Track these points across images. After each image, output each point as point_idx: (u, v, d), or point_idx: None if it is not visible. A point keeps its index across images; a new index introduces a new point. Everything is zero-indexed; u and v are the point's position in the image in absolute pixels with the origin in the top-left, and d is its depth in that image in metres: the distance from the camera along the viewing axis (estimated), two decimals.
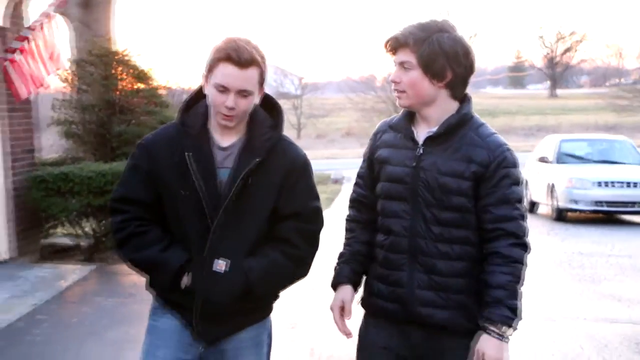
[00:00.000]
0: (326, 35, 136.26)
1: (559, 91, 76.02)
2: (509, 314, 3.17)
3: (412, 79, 3.24)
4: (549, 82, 78.65)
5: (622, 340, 7.54)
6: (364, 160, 3.58)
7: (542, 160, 17.57)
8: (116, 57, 13.15)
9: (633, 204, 15.90)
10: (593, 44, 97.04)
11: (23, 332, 7.94)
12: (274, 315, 3.59)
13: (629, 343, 7.46)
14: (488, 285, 3.21)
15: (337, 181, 27.58)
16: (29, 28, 10.88)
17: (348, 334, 3.45)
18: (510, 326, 3.18)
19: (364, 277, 3.53)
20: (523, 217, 3.28)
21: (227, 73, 3.23)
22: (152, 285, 3.47)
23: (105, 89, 12.82)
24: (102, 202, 10.95)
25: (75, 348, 7.56)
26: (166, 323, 3.44)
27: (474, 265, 3.29)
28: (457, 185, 3.24)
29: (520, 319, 3.25)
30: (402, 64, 3.26)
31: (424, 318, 3.30)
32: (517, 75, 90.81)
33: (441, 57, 3.20)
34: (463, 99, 3.37)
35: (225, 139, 3.36)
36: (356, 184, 3.62)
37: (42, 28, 10.80)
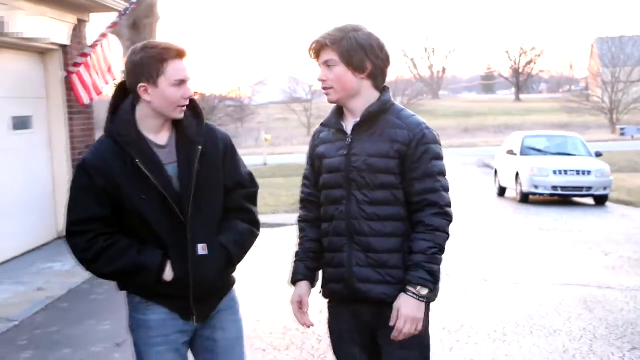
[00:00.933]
0: None
1: (522, 96, 75.99)
2: (426, 277, 2.98)
3: (337, 74, 3.08)
4: (514, 89, 78.68)
5: (574, 299, 7.65)
6: (307, 162, 3.39)
7: (510, 152, 17.64)
8: None
9: (582, 188, 16.06)
10: (549, 57, 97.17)
11: (88, 292, 8.08)
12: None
13: (579, 301, 7.56)
14: (410, 251, 3.02)
15: None
16: (89, 46, 10.99)
17: (307, 325, 3.31)
18: (427, 287, 3.00)
19: (319, 271, 3.37)
20: (445, 189, 3.08)
21: (181, 68, 3.04)
22: (133, 287, 3.14)
23: None
24: None
25: None
26: (155, 317, 3.13)
27: (405, 239, 3.08)
28: (384, 165, 3.05)
29: (438, 282, 3.08)
30: (326, 63, 3.10)
31: (364, 294, 3.11)
32: (488, 83, 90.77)
33: (359, 51, 3.05)
34: (383, 90, 3.19)
35: (160, 138, 3.10)
36: (303, 184, 3.42)
37: (100, 46, 10.91)
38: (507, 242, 11.45)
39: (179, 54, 3.04)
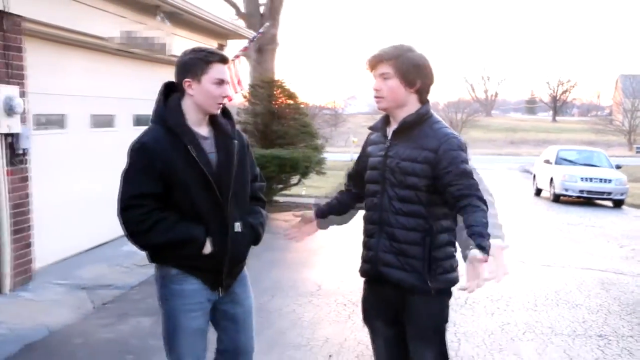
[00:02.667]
0: None
1: (558, 118, 73.80)
2: (485, 242, 2.51)
3: (391, 86, 2.88)
4: (551, 112, 76.49)
5: (593, 281, 7.40)
6: (359, 155, 3.22)
7: (546, 161, 17.30)
8: (276, 83, 13.34)
9: (603, 193, 15.56)
10: (581, 88, 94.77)
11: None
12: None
13: (597, 283, 7.32)
14: (468, 225, 2.62)
15: None
16: None
17: (289, 237, 3.29)
18: (485, 247, 2.53)
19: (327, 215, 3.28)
20: (477, 187, 2.79)
21: (221, 70, 2.89)
22: (173, 259, 2.90)
23: (269, 103, 13.05)
24: (262, 173, 11.15)
25: None
26: (191, 286, 2.92)
27: (426, 235, 2.84)
28: (412, 168, 2.84)
29: (489, 237, 2.57)
30: (382, 75, 2.89)
31: (384, 275, 2.94)
32: (531, 106, 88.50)
33: (412, 69, 2.87)
34: (424, 104, 2.98)
35: (202, 130, 2.93)
36: (347, 175, 3.31)
37: (233, 64, 11.04)
38: (540, 232, 11.11)
39: (222, 59, 2.91)
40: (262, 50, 18.87)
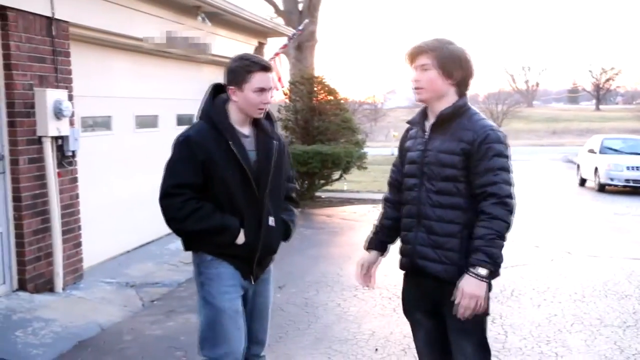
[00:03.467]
0: None
1: (601, 107, 72.01)
2: (484, 258, 2.69)
3: (430, 77, 2.85)
4: (594, 101, 74.71)
5: None
6: (398, 152, 3.20)
7: (590, 151, 16.90)
8: (316, 80, 13.34)
9: None
10: (625, 75, 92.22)
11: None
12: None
13: None
14: (473, 237, 2.75)
15: None
16: None
17: (365, 284, 3.19)
18: (485, 268, 2.70)
19: (390, 245, 3.19)
20: (505, 182, 2.77)
21: (262, 79, 2.97)
22: (208, 246, 3.01)
23: (309, 99, 13.06)
24: (305, 169, 11.19)
25: (289, 259, 7.79)
26: (226, 270, 3.02)
27: (464, 227, 2.80)
28: (450, 160, 2.80)
29: (498, 265, 2.74)
30: (422, 66, 2.86)
31: (421, 269, 2.91)
32: (573, 96, 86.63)
33: (452, 60, 2.85)
34: (461, 95, 2.93)
35: (244, 129, 3.03)
36: (392, 170, 3.22)
37: (273, 62, 11.07)
38: (587, 222, 10.87)
39: (263, 68, 2.99)
40: (301, 47, 18.91)
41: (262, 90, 2.97)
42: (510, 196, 2.78)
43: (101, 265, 7.09)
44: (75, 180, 6.41)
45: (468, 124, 2.85)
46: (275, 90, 11.25)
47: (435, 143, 2.89)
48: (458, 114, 2.88)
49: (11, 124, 5.57)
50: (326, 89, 13.23)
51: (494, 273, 2.75)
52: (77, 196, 6.44)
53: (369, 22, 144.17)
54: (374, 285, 3.23)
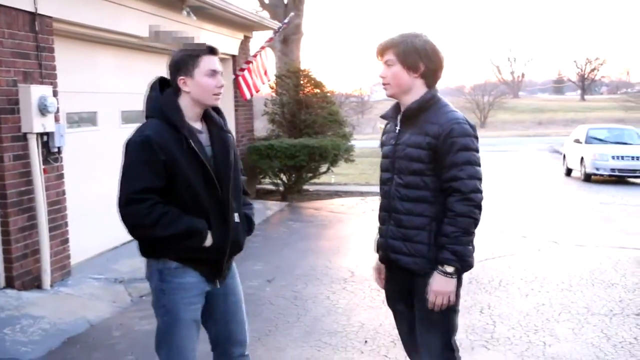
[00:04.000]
0: None
1: (586, 97, 72.36)
2: (449, 256, 2.74)
3: (394, 72, 2.86)
4: (579, 91, 75.10)
5: (628, 259, 7.24)
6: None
7: (576, 141, 16.98)
8: (302, 73, 13.31)
9: (636, 170, 15.30)
10: (610, 65, 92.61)
11: (247, 240, 8.19)
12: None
13: (633, 261, 7.16)
14: (440, 234, 2.79)
15: None
16: (252, 55, 11.14)
17: (383, 287, 3.21)
18: (451, 265, 2.76)
19: None
20: (469, 177, 2.75)
21: (212, 60, 2.86)
22: (170, 252, 2.85)
23: (296, 93, 13.03)
24: (292, 163, 11.17)
25: (277, 252, 7.82)
26: (192, 279, 2.88)
27: (432, 220, 2.81)
28: (417, 154, 2.80)
29: (465, 261, 2.78)
30: (386, 62, 2.89)
31: (393, 262, 2.95)
32: (558, 86, 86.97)
33: (414, 53, 2.83)
34: (429, 88, 2.93)
35: (197, 124, 2.90)
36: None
37: (259, 55, 11.03)
38: (573, 212, 10.95)
39: (211, 51, 2.88)
40: (287, 41, 18.87)
41: (214, 72, 2.85)
42: (475, 191, 2.77)
43: (89, 261, 7.05)
44: (61, 176, 6.37)
45: (434, 117, 2.84)
46: (261, 84, 11.25)
47: (404, 137, 2.89)
48: (425, 107, 2.88)
49: None
50: (312, 82, 13.21)
51: (461, 269, 2.80)
52: (63, 192, 6.40)
53: (355, 14, 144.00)
54: None
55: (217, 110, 3.02)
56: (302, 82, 13.15)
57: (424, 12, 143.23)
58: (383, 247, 3.01)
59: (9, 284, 5.69)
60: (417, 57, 2.84)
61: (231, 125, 11.12)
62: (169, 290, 2.88)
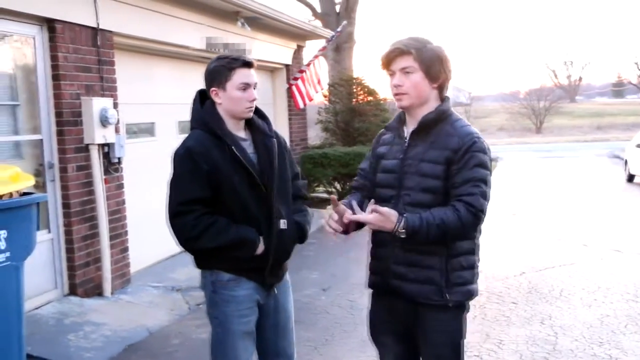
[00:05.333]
0: (486, 60, 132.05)
1: None
2: (412, 225, 2.44)
3: (415, 81, 2.58)
4: None
5: None
6: (367, 157, 2.89)
7: (638, 146, 16.45)
8: (355, 81, 13.34)
9: None
10: None
11: (302, 249, 8.19)
12: None
13: None
14: (433, 210, 2.50)
15: (494, 160, 26.46)
16: (305, 65, 11.20)
17: (334, 233, 2.65)
18: (405, 232, 2.44)
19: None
20: (482, 195, 2.51)
21: (245, 74, 2.82)
22: (223, 263, 2.84)
23: (349, 101, 13.07)
24: (346, 171, 11.15)
25: (332, 261, 7.80)
26: (244, 292, 2.86)
27: (444, 245, 2.55)
28: (432, 170, 2.54)
29: (412, 234, 2.45)
30: (403, 69, 2.58)
31: (395, 289, 2.63)
32: (618, 89, 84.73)
33: (437, 62, 2.59)
34: (443, 100, 2.69)
35: (240, 133, 2.89)
36: (358, 174, 2.91)
37: (312, 64, 11.09)
38: (635, 219, 10.57)
39: (245, 64, 2.82)
40: (339, 49, 18.91)
41: (246, 86, 2.82)
42: (483, 211, 2.53)
43: (147, 269, 7.19)
44: (121, 186, 6.51)
45: (452, 129, 2.60)
46: (315, 93, 11.30)
47: (415, 151, 2.62)
48: (440, 119, 2.64)
49: (60, 133, 5.70)
50: (365, 89, 13.22)
51: (406, 236, 2.49)
52: (123, 202, 6.54)
53: (406, 21, 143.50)
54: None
55: (262, 115, 3.00)
56: (355, 90, 13.18)
57: (476, 16, 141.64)
58: (381, 272, 2.70)
59: (72, 291, 5.84)
60: (440, 66, 2.61)
61: (285, 133, 11.19)
62: (221, 303, 2.88)
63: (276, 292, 3.00)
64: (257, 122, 2.95)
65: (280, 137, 3.05)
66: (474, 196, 2.50)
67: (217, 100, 2.85)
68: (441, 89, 2.67)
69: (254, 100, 2.85)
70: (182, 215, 2.75)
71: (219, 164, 2.75)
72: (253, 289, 2.89)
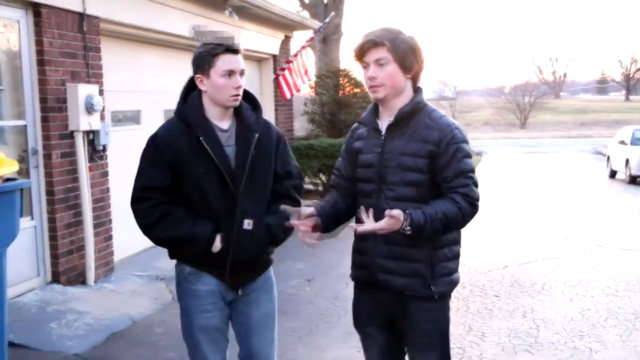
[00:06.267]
0: (472, 55, 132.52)
1: (631, 97, 70.77)
2: (418, 223, 2.41)
3: (389, 72, 2.54)
4: (624, 91, 73.46)
5: None
6: (342, 154, 2.83)
7: (621, 142, 16.64)
8: (342, 73, 13.34)
9: None
10: None
11: (287, 240, 8.19)
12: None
13: None
14: (433, 204, 2.49)
15: (479, 154, 26.68)
16: (292, 55, 11.16)
17: (310, 244, 2.65)
18: (410, 230, 2.40)
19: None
20: (475, 185, 2.54)
21: (230, 60, 2.69)
22: (178, 255, 2.80)
23: (335, 92, 13.06)
24: (331, 162, 11.12)
25: (317, 252, 7.75)
26: (205, 287, 2.76)
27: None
28: (413, 163, 2.52)
29: (418, 231, 2.42)
30: (377, 61, 2.55)
31: (383, 283, 2.62)
32: (601, 86, 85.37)
33: (409, 52, 2.55)
34: (416, 91, 2.65)
35: (223, 123, 2.74)
36: (334, 174, 2.87)
37: (299, 55, 11.05)
38: (618, 215, 10.70)
39: (229, 49, 2.69)
40: (327, 41, 18.87)
41: (230, 73, 2.68)
42: (478, 200, 2.56)
43: (131, 258, 7.15)
44: (105, 174, 6.47)
45: (430, 122, 2.58)
46: (302, 83, 11.26)
47: (394, 144, 2.59)
48: (417, 111, 2.61)
49: (44, 119, 5.63)
50: (352, 81, 13.22)
51: (412, 233, 2.46)
52: (107, 190, 6.50)
53: (394, 14, 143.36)
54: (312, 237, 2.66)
55: (255, 106, 2.86)
56: (341, 81, 13.16)
57: (463, 11, 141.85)
58: (367, 267, 2.67)
59: (55, 279, 5.80)
60: (413, 56, 2.58)
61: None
62: (184, 295, 2.84)
63: (241, 293, 2.83)
64: (244, 113, 2.79)
65: (272, 131, 2.87)
66: (468, 187, 2.52)
67: (201, 87, 2.74)
68: (415, 79, 2.65)
69: (238, 87, 2.72)
70: (140, 201, 2.70)
71: (183, 153, 2.66)
72: (216, 285, 2.78)
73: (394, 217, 2.40)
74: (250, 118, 2.79)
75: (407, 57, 2.56)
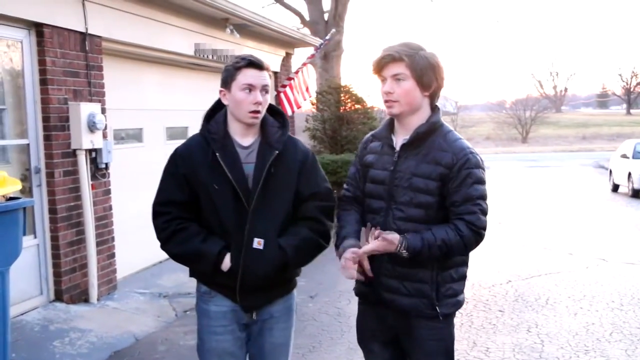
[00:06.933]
0: (473, 70, 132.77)
1: (632, 111, 70.84)
2: (414, 247, 2.42)
3: (406, 89, 2.51)
4: (625, 105, 73.57)
5: None
6: (355, 164, 2.79)
7: (623, 156, 16.62)
8: (343, 89, 13.34)
9: None
10: None
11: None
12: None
13: None
14: (434, 229, 2.47)
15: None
16: (294, 72, 11.20)
17: (365, 279, 2.61)
18: (407, 253, 2.41)
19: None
20: (483, 212, 2.49)
21: (250, 75, 2.62)
22: (195, 273, 2.75)
23: (337, 108, 13.05)
24: (334, 179, 11.09)
25: (320, 268, 7.72)
26: (217, 308, 2.70)
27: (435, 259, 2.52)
28: (425, 185, 2.49)
29: (414, 255, 2.43)
30: (395, 76, 2.52)
31: (388, 303, 2.59)
32: (602, 100, 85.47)
33: (429, 69, 2.52)
34: (434, 109, 2.62)
35: (245, 140, 2.66)
36: (348, 183, 2.81)
37: (301, 72, 11.09)
38: (621, 229, 10.67)
39: (251, 64, 2.62)
40: (327, 57, 18.95)
41: (250, 87, 2.61)
42: (485, 228, 2.51)
43: (134, 276, 7.14)
44: (108, 192, 6.47)
45: (444, 144, 2.54)
46: (303, 100, 11.29)
47: (407, 164, 2.56)
48: (432, 131, 2.57)
49: (47, 138, 5.66)
50: (353, 98, 13.21)
51: (408, 255, 2.47)
52: (110, 208, 6.50)
53: (394, 30, 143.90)
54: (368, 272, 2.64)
55: (282, 124, 2.76)
56: (343, 98, 13.17)
57: (464, 26, 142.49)
58: (372, 284, 2.63)
59: (58, 297, 5.79)
60: (432, 73, 2.54)
61: None
62: (198, 314, 2.80)
63: (255, 317, 2.73)
64: (268, 130, 2.71)
65: (298, 149, 2.75)
66: (475, 215, 2.47)
67: (224, 101, 2.69)
68: (432, 97, 2.61)
69: (257, 103, 2.62)
70: (158, 216, 2.69)
71: (198, 169, 2.62)
72: (229, 307, 2.70)
73: (387, 240, 2.41)
74: (274, 135, 2.71)
75: (425, 74, 2.53)
